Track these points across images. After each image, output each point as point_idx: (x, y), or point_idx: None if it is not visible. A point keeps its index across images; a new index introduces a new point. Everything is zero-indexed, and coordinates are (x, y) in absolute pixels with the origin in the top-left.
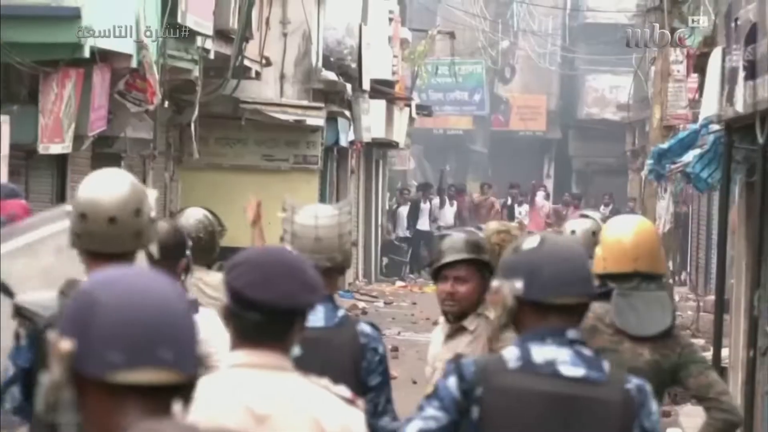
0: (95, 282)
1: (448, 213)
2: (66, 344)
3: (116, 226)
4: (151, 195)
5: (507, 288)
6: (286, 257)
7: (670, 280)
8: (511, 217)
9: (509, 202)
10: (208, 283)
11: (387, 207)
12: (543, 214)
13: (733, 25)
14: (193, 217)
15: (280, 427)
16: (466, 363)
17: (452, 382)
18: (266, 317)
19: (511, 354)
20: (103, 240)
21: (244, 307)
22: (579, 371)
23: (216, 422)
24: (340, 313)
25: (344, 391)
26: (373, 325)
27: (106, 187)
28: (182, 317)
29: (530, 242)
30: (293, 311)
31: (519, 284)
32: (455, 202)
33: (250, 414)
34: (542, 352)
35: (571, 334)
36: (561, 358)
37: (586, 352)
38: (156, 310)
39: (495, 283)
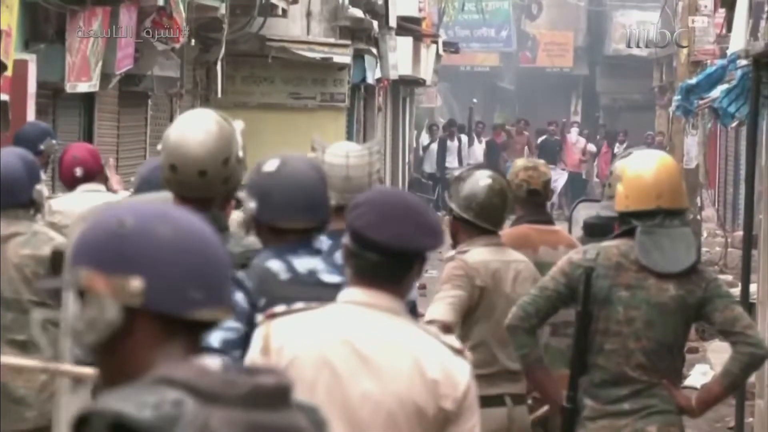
0: (143, 215)
1: (478, 150)
2: (136, 282)
3: (206, 178)
4: (239, 128)
5: (247, 207)
6: (407, 200)
7: (698, 216)
8: (551, 155)
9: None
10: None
11: (415, 144)
12: (578, 150)
13: None
14: None
15: (382, 368)
16: (244, 277)
17: (240, 296)
18: (384, 258)
19: (276, 266)
20: (193, 188)
21: (363, 247)
22: (335, 278)
23: (319, 354)
24: None
25: (453, 340)
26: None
27: (195, 137)
28: (227, 257)
29: (269, 165)
30: (410, 253)
31: (252, 205)
32: (483, 140)
33: (355, 351)
34: (302, 263)
35: (317, 243)
36: (319, 267)
37: (336, 259)
38: (215, 250)
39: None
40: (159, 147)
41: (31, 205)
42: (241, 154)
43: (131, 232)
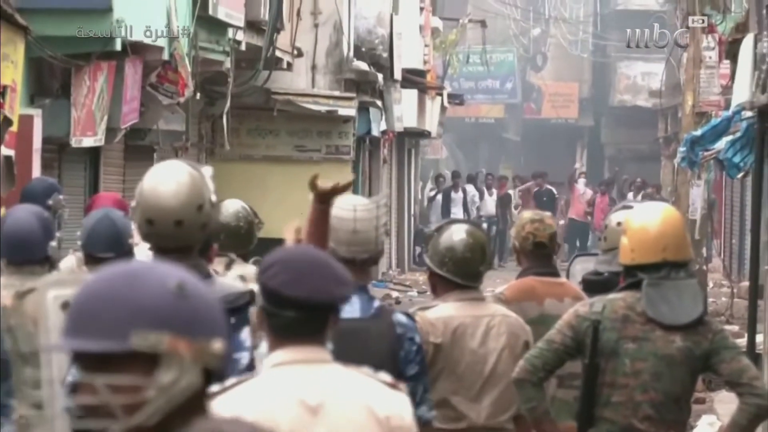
0: (182, 277)
1: (489, 202)
2: (218, 344)
3: (183, 227)
4: (208, 174)
5: None
6: (315, 255)
7: (704, 267)
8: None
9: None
10: (246, 276)
11: (420, 196)
12: (584, 201)
13: (764, 11)
14: (231, 207)
15: (334, 416)
16: None
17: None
18: (302, 313)
19: None
20: (171, 239)
21: (280, 306)
22: None
23: (272, 418)
24: (376, 303)
25: (386, 376)
26: (408, 315)
27: (168, 189)
28: None
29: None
30: (327, 305)
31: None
32: (494, 191)
33: (304, 406)
34: None
35: None
36: None
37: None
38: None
39: None
40: (132, 204)
41: (46, 262)
42: (213, 198)
43: (192, 294)
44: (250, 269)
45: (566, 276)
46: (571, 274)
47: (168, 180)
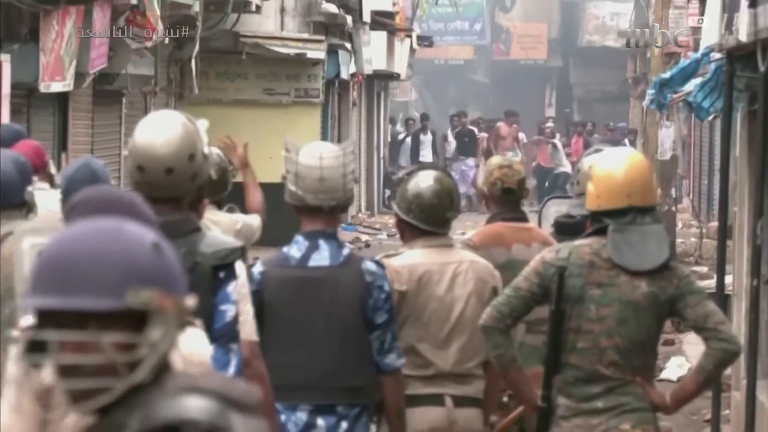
0: (154, 236)
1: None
2: (191, 300)
3: (173, 175)
4: (202, 126)
5: None
6: (118, 194)
7: (673, 208)
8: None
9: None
10: (217, 223)
11: (389, 138)
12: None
13: None
14: None
15: None
16: None
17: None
18: None
19: None
20: (161, 188)
21: None
22: None
23: None
24: (345, 251)
25: None
26: (377, 262)
27: (160, 137)
28: None
29: None
30: None
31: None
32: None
33: None
34: None
35: None
36: None
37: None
38: None
39: None
40: (125, 152)
41: (24, 206)
42: (206, 150)
43: (166, 251)
44: (222, 216)
45: (538, 218)
46: (543, 216)
47: (161, 128)
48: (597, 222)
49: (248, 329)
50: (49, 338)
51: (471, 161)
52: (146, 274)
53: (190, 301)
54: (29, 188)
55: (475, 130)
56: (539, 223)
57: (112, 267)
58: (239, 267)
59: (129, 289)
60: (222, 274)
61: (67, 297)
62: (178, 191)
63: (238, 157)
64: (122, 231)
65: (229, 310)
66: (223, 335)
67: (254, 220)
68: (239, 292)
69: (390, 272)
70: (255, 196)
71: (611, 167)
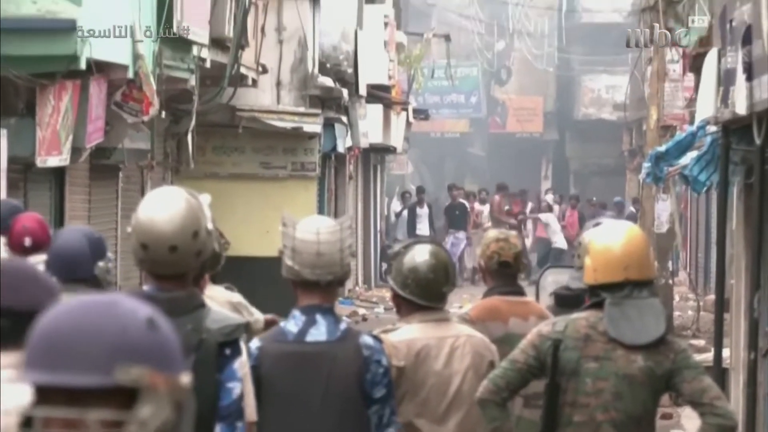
0: (150, 310)
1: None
2: (186, 378)
3: (177, 252)
4: (206, 201)
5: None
6: (22, 266)
7: (670, 281)
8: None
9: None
10: (212, 297)
11: (386, 212)
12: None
13: (728, 26)
14: None
15: None
16: None
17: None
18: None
19: None
20: (165, 265)
21: None
22: None
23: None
24: (343, 326)
25: None
26: (375, 337)
27: (164, 214)
28: None
29: None
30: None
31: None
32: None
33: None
34: None
35: None
36: None
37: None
38: None
39: None
40: (128, 229)
41: (92, 281)
42: (210, 226)
43: (161, 328)
44: (216, 290)
45: (536, 288)
46: (541, 286)
47: (164, 206)
48: (594, 296)
49: (249, 410)
50: (35, 414)
51: (461, 234)
52: (138, 351)
53: (185, 378)
54: (100, 263)
55: (466, 203)
56: (537, 294)
57: (101, 342)
58: (245, 345)
59: (118, 365)
60: (228, 351)
61: (54, 372)
62: (182, 268)
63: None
64: (116, 306)
65: (235, 388)
66: (230, 413)
67: (258, 314)
68: (242, 372)
69: (387, 347)
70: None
71: (608, 241)
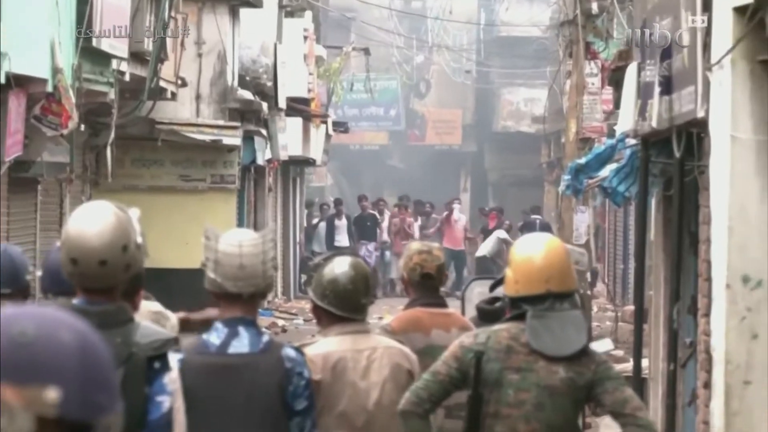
0: (41, 322)
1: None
2: (52, 393)
3: (107, 266)
4: (135, 216)
5: None
6: None
7: (588, 291)
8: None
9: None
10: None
11: (305, 224)
12: (460, 228)
13: (647, 40)
14: None
15: None
16: None
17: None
18: None
19: None
20: (95, 279)
21: None
22: None
23: None
24: (265, 338)
25: None
26: (297, 349)
27: (93, 229)
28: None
29: None
30: None
31: None
32: (386, 217)
33: None
34: None
35: None
36: None
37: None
38: (107, 352)
39: None
40: (58, 243)
41: (25, 292)
42: (139, 240)
43: (34, 340)
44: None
45: (462, 300)
46: (467, 298)
47: (93, 220)
48: (516, 308)
49: (178, 428)
50: None
51: (371, 246)
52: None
53: (51, 393)
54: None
55: (377, 215)
56: (462, 306)
57: None
58: (172, 359)
59: None
60: (157, 365)
61: None
62: (111, 281)
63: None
64: None
65: (165, 401)
66: (159, 426)
67: (172, 316)
68: (172, 388)
69: None
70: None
71: (529, 253)
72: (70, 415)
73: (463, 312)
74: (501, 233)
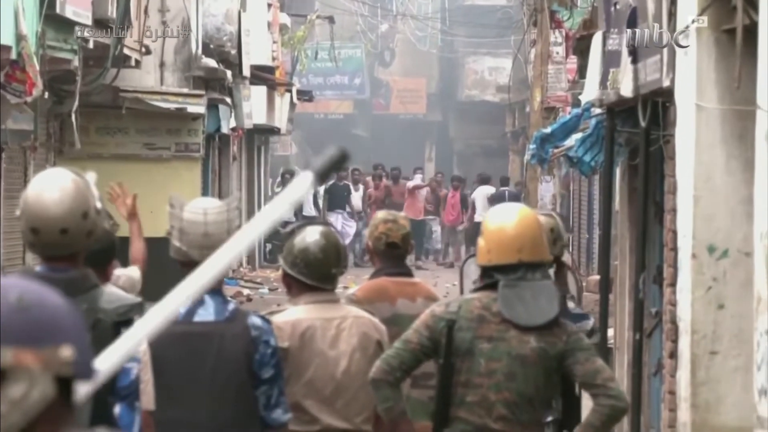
0: (24, 288)
1: (356, 197)
2: (67, 350)
3: (68, 234)
4: (92, 180)
5: None
6: None
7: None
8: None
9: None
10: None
11: (270, 193)
12: (421, 199)
13: (612, 9)
14: None
15: None
16: None
17: None
18: None
19: None
20: (57, 247)
21: None
22: None
23: None
24: (231, 306)
25: None
26: (264, 317)
27: (52, 197)
28: None
29: None
30: None
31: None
32: (360, 186)
33: None
34: None
35: None
36: None
37: None
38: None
39: None
40: (17, 212)
41: None
42: (99, 205)
43: (32, 304)
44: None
45: (460, 275)
46: (465, 273)
47: (51, 188)
48: (488, 277)
49: (146, 398)
50: None
51: (346, 215)
52: (6, 331)
53: (65, 351)
54: None
55: (351, 185)
56: (461, 281)
57: None
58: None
59: None
60: (124, 331)
61: None
62: (73, 249)
63: (126, 207)
64: None
65: (133, 368)
66: (129, 393)
67: (134, 272)
68: (142, 359)
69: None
70: (139, 247)
71: (502, 223)
72: (80, 374)
73: (461, 288)
74: (488, 189)
